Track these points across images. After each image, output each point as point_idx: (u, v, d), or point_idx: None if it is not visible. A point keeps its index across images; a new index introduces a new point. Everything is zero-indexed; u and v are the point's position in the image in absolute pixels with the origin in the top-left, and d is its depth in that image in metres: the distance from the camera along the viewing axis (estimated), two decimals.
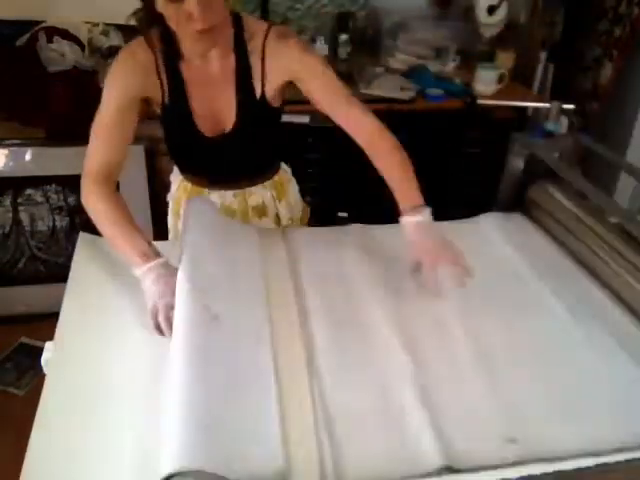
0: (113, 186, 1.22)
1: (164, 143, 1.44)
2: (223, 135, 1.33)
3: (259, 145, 1.32)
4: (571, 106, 1.94)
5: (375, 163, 1.26)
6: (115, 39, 2.30)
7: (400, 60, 2.61)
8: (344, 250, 1.35)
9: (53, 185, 2.22)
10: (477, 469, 0.86)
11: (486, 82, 2.43)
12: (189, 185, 1.49)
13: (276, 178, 1.52)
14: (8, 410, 2.00)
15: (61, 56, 2.09)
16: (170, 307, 1.03)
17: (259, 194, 1.49)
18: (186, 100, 1.29)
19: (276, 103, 1.34)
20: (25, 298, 2.33)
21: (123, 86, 1.23)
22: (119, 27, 2.31)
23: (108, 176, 1.21)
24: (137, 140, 2.15)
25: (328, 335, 1.10)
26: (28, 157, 2.13)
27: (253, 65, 1.27)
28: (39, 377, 2.09)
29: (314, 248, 1.36)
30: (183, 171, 1.49)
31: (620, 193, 2.46)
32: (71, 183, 2.22)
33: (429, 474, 0.85)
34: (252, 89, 1.29)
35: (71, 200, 2.25)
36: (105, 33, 2.27)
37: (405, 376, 1.01)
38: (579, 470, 0.86)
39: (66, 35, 2.14)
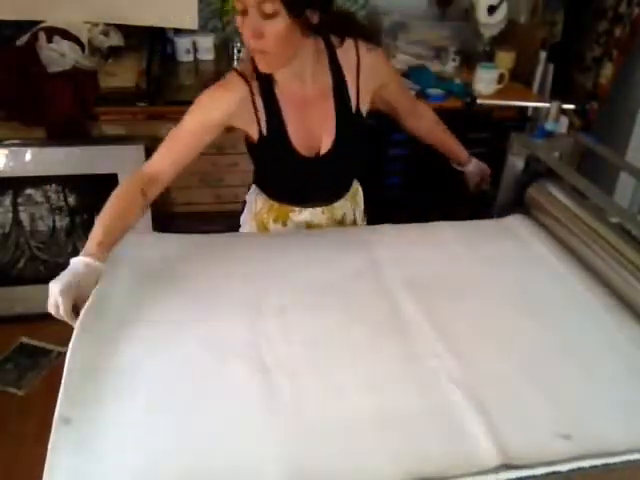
0: (146, 189, 1.24)
1: (255, 172, 1.48)
2: (319, 155, 1.37)
3: (354, 161, 1.42)
4: (571, 106, 1.93)
5: (440, 133, 1.63)
6: (115, 39, 2.30)
7: (400, 60, 2.60)
8: (375, 250, 1.36)
9: (53, 185, 2.22)
10: (534, 465, 0.86)
11: (486, 82, 2.43)
12: (276, 204, 1.49)
13: (351, 188, 1.55)
14: (8, 410, 2.00)
15: (61, 56, 2.08)
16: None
17: (342, 207, 1.52)
18: (284, 125, 1.32)
19: (366, 116, 1.40)
20: (25, 298, 2.32)
21: (202, 115, 1.27)
22: (119, 27, 2.31)
23: (149, 181, 1.25)
24: (137, 140, 2.17)
25: (367, 335, 1.11)
26: (28, 157, 2.13)
27: (348, 80, 1.34)
28: (39, 377, 2.10)
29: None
30: (273, 194, 1.49)
31: (620, 193, 2.46)
32: (71, 183, 2.22)
33: (486, 471, 0.86)
34: (348, 103, 1.35)
35: (71, 200, 2.25)
36: (105, 33, 2.27)
37: (450, 376, 1.01)
38: (581, 470, 0.87)
39: (66, 35, 2.14)
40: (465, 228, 1.50)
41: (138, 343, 1.05)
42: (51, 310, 1.06)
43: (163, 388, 0.97)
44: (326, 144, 1.36)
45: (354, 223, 1.57)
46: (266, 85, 1.29)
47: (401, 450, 0.88)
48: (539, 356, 1.08)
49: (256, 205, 1.52)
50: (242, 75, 1.28)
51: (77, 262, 1.09)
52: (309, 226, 1.49)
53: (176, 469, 0.84)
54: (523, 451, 0.88)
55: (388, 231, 1.46)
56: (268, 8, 1.10)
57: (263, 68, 1.23)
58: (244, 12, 1.13)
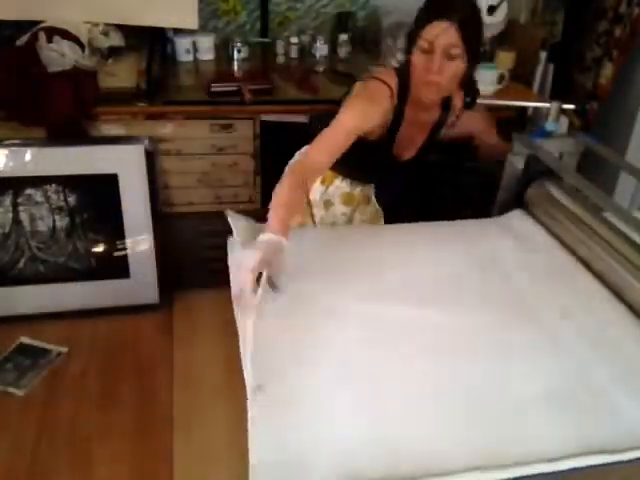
0: (307, 179, 1.39)
1: (354, 155, 1.52)
2: (401, 160, 1.72)
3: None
4: (571, 106, 1.93)
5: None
6: (115, 39, 2.30)
7: (400, 60, 2.60)
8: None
9: (53, 185, 2.22)
10: None
11: (486, 82, 2.42)
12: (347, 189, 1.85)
13: None
14: (8, 410, 2.00)
15: (61, 56, 2.08)
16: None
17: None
18: (397, 134, 1.61)
19: None
20: (25, 298, 2.32)
21: (358, 122, 1.45)
22: (119, 27, 2.31)
23: (310, 171, 1.40)
24: (137, 140, 2.17)
25: (500, 323, 1.18)
26: (28, 157, 2.13)
27: (449, 120, 1.67)
28: (39, 377, 2.10)
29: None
30: (348, 175, 1.82)
31: (620, 193, 2.46)
32: (71, 183, 2.22)
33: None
34: (438, 135, 1.70)
35: (71, 200, 2.25)
36: (105, 33, 2.27)
37: (592, 360, 1.07)
38: (580, 470, 0.87)
39: (66, 35, 2.14)
40: None
41: (315, 318, 1.15)
42: (243, 279, 1.09)
43: (346, 360, 1.07)
44: (409, 154, 1.72)
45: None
46: (402, 100, 1.54)
47: (573, 428, 0.93)
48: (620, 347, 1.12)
49: (336, 190, 1.84)
50: (390, 88, 1.50)
51: (270, 239, 1.17)
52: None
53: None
54: None
55: (516, 221, 1.55)
56: (454, 52, 1.38)
57: (431, 96, 1.50)
58: (429, 51, 1.38)
